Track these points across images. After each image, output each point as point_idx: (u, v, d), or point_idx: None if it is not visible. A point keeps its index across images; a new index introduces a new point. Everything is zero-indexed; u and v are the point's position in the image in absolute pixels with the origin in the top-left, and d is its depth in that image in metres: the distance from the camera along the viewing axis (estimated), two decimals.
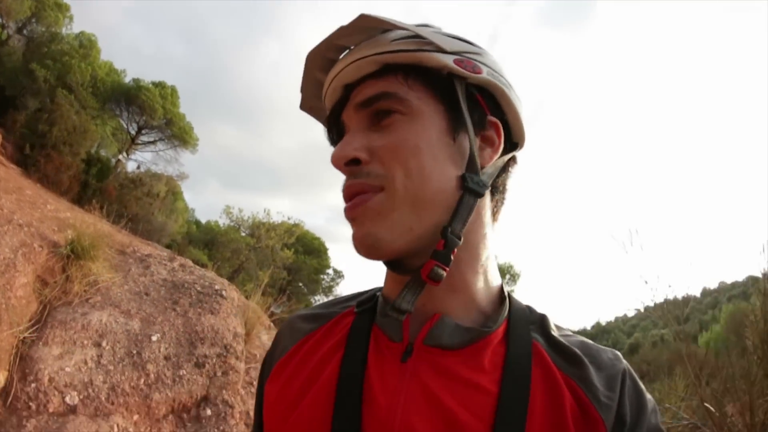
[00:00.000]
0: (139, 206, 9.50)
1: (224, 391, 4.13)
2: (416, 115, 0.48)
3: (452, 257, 0.46)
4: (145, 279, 3.97)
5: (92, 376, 2.90)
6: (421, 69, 0.49)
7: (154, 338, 3.47)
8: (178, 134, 12.36)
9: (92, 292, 3.35)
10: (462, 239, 0.47)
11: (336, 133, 0.55)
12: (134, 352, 3.27)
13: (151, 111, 11.44)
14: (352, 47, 0.51)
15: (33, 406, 2.65)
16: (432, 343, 0.47)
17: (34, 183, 6.83)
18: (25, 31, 10.35)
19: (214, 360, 4.06)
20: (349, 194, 0.48)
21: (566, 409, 0.44)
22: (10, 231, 3.13)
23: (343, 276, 21.30)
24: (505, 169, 0.54)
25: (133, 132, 12.14)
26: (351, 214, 0.48)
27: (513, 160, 0.55)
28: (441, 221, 0.47)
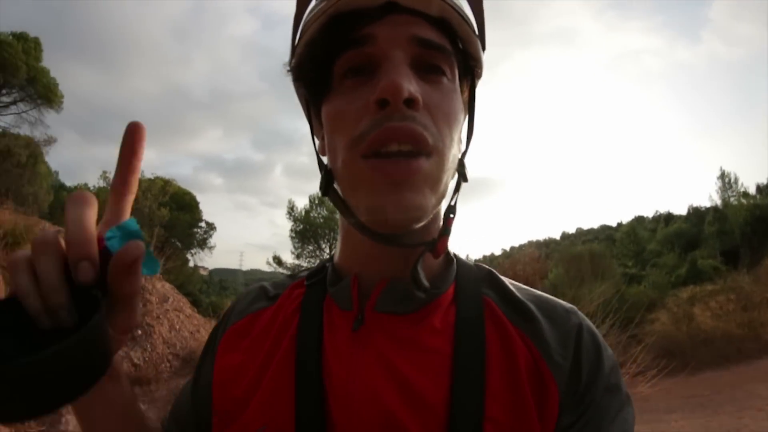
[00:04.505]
0: (10, 179, 9.03)
1: (146, 317, 6.13)
2: (456, 87, 0.46)
3: None
4: None
5: None
6: (459, 46, 0.46)
7: None
8: (43, 93, 11.17)
9: None
10: None
11: (342, 29, 0.43)
12: None
13: (13, 69, 10.22)
14: None
15: None
16: (382, 309, 0.46)
17: None
18: None
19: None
20: (404, 136, 0.40)
21: (521, 364, 0.43)
22: None
23: (215, 228, 21.63)
24: None
25: None
26: (402, 176, 0.41)
27: None
28: (445, 198, 0.47)
